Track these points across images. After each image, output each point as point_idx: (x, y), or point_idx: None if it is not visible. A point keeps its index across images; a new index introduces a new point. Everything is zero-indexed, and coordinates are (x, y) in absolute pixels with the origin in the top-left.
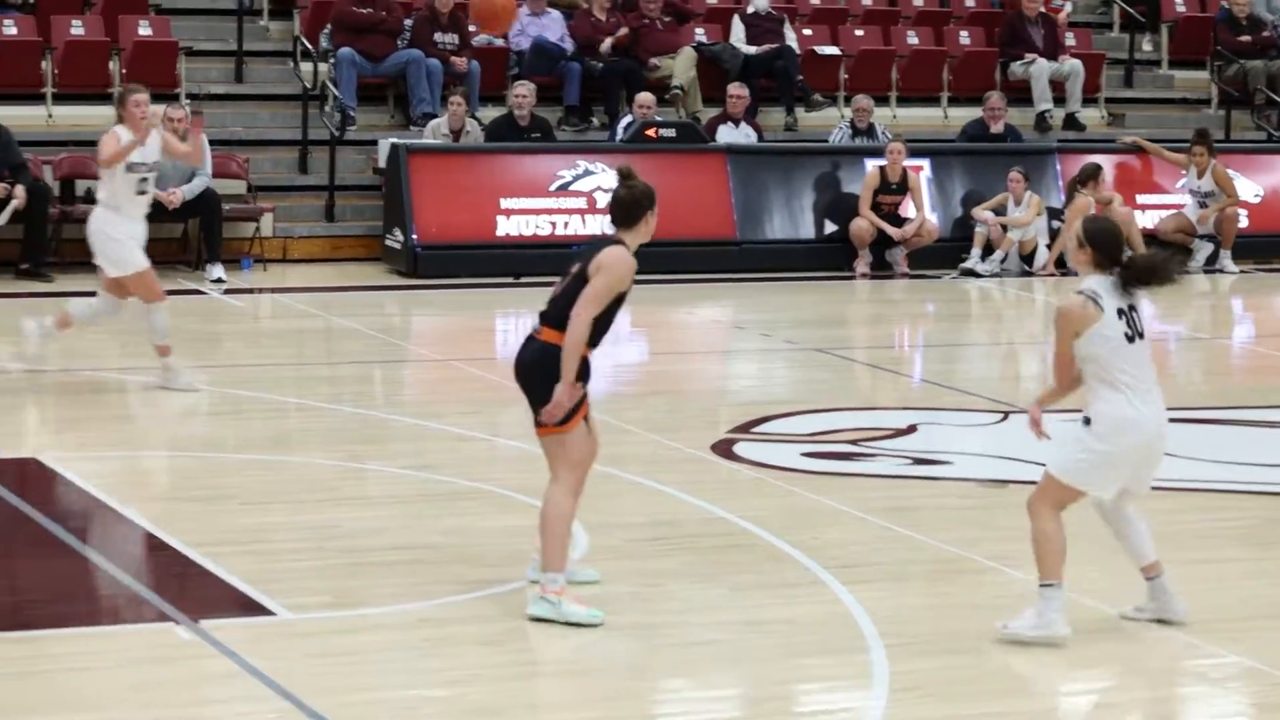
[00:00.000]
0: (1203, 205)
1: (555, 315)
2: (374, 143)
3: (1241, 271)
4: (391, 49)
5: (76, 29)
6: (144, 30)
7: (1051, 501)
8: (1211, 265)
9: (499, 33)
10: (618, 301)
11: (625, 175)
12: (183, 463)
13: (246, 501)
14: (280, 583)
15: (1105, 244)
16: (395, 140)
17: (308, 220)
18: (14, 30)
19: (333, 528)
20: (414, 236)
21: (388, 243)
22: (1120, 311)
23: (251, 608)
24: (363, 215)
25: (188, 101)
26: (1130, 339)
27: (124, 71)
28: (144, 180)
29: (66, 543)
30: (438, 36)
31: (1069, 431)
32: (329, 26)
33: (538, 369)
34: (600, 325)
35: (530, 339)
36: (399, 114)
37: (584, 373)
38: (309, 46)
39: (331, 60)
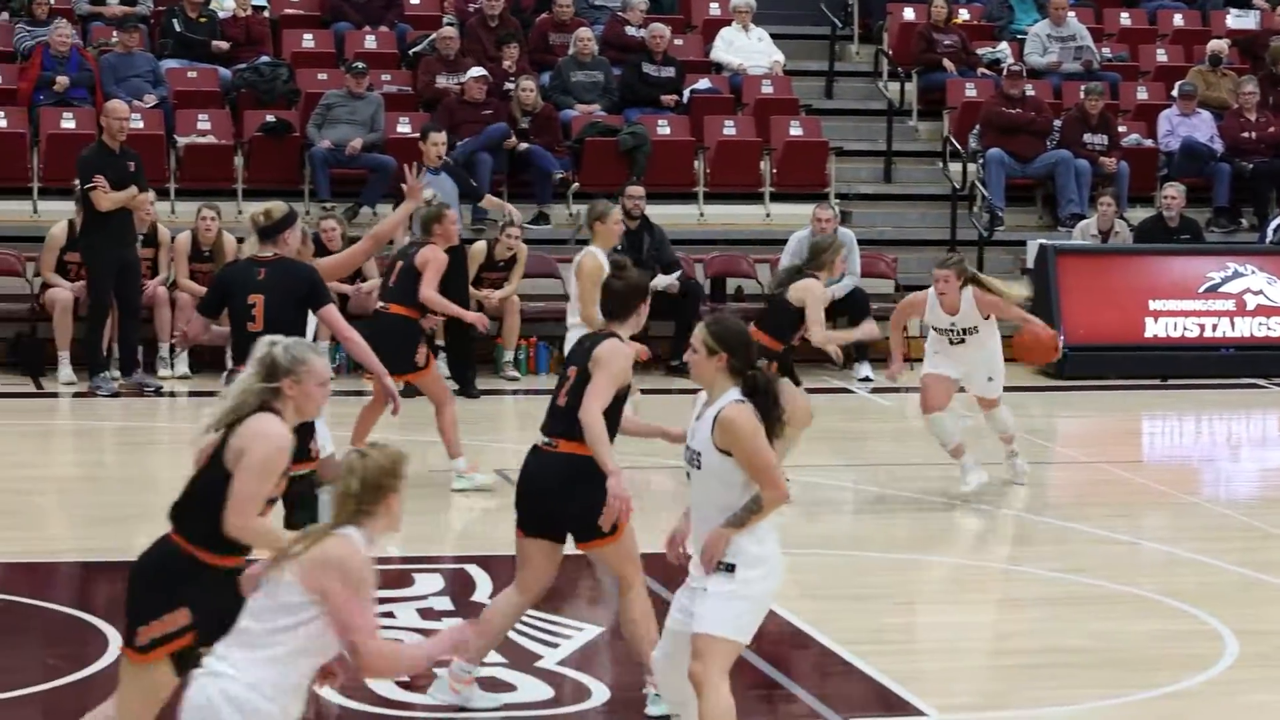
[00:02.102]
0: None
1: (569, 424)
2: (1022, 243)
3: None
4: (1040, 149)
5: (728, 129)
6: (795, 130)
7: (725, 668)
8: None
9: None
10: (620, 398)
11: (619, 267)
12: (830, 560)
13: (895, 600)
14: (928, 682)
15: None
16: (1044, 241)
17: None
18: (668, 130)
19: (981, 628)
20: (1062, 337)
21: None
22: None
23: (900, 707)
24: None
25: (837, 201)
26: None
27: (774, 171)
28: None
29: None
30: (1087, 137)
31: (716, 585)
32: (978, 127)
33: (565, 480)
34: (608, 422)
35: (539, 451)
36: (1047, 214)
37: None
38: (958, 147)
39: (980, 160)
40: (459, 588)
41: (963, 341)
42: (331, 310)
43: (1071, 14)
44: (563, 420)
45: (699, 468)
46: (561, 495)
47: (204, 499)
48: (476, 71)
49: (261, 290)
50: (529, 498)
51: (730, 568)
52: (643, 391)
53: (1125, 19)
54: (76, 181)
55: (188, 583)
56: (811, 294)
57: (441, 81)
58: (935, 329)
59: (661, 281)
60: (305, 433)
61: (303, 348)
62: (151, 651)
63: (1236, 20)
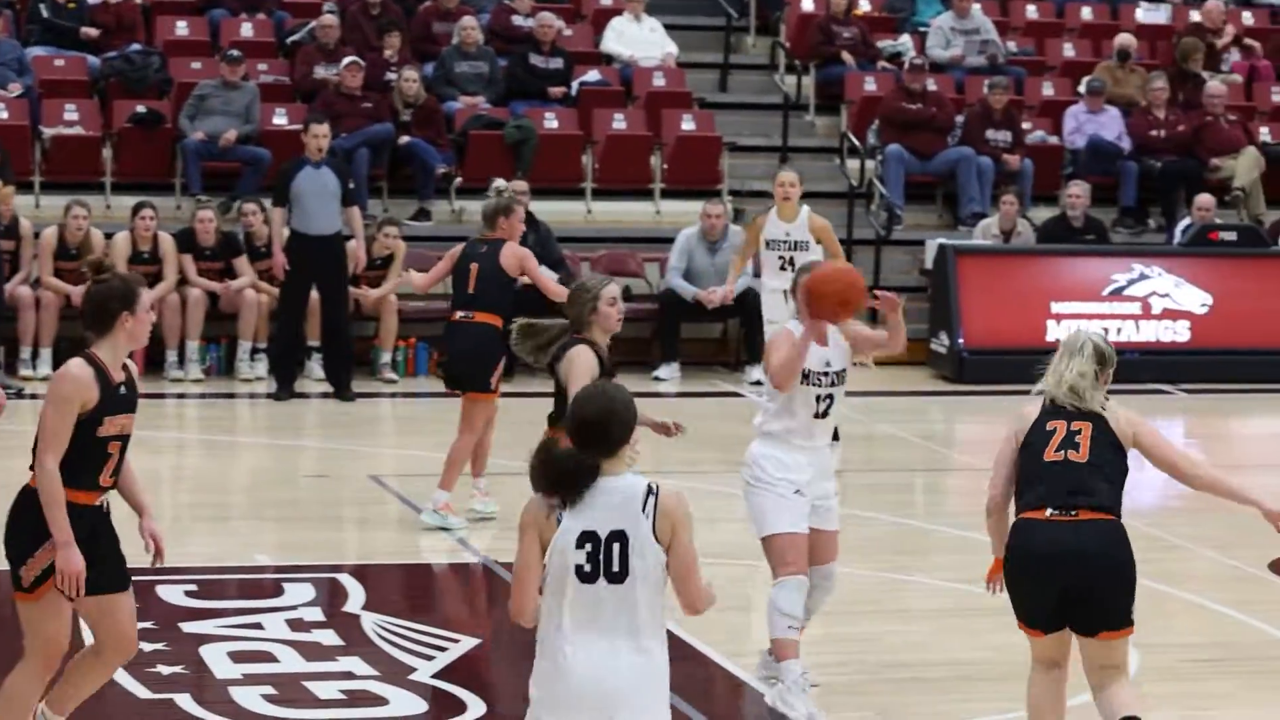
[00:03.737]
0: None
1: None
2: (921, 243)
3: None
4: (941, 146)
5: (618, 123)
6: (687, 125)
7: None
8: None
9: None
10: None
11: (98, 269)
12: (714, 569)
13: None
14: (821, 698)
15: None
16: (943, 240)
17: None
18: (555, 123)
19: (874, 641)
20: (960, 340)
21: (933, 346)
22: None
23: None
24: (908, 318)
25: (730, 198)
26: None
27: (665, 167)
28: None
29: None
30: (990, 133)
31: None
32: (877, 122)
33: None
34: (88, 457)
35: None
36: (947, 213)
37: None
38: (856, 143)
39: (879, 157)
40: (331, 597)
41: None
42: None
43: (976, 6)
44: None
45: None
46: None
47: None
48: (350, 59)
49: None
50: None
51: None
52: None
53: (1032, 12)
54: None
55: None
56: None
57: (320, 72)
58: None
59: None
60: None
61: None
62: None
63: (1146, 14)
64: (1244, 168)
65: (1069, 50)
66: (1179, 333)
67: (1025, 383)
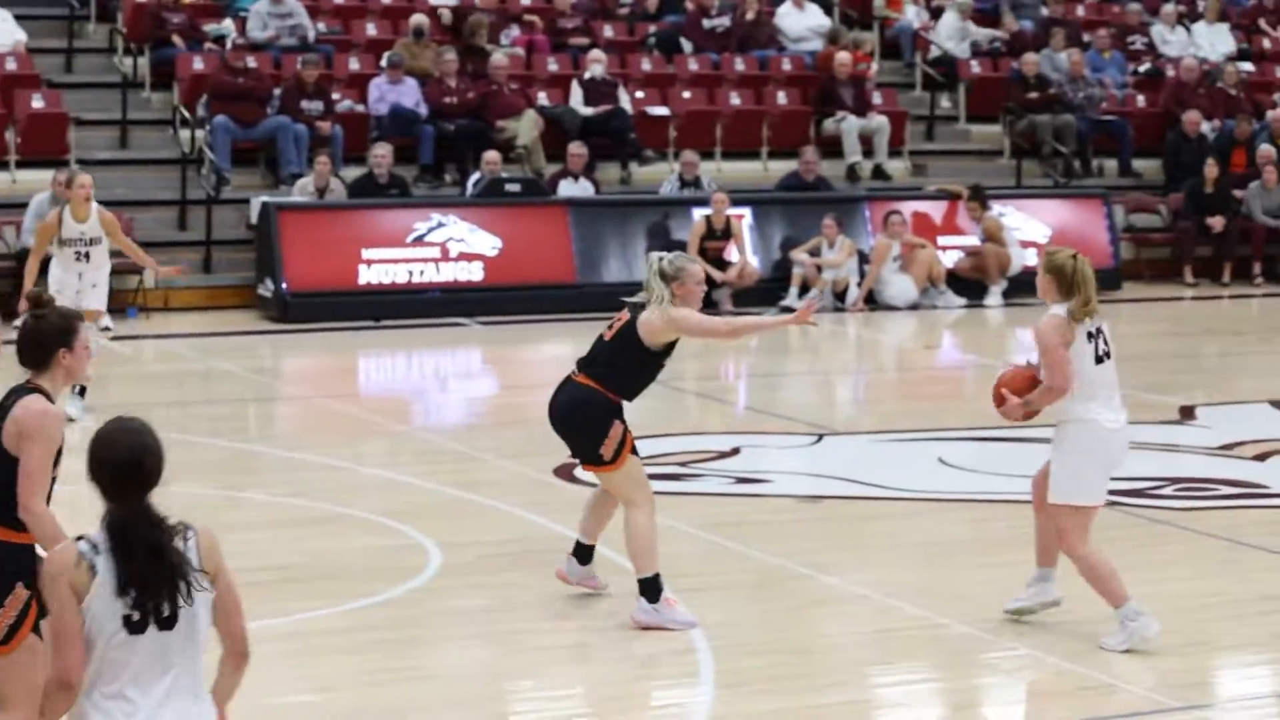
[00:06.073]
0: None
1: None
2: (247, 201)
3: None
4: (262, 115)
5: None
6: (37, 103)
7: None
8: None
9: None
10: None
11: (34, 302)
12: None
13: None
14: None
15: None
16: (266, 198)
17: (187, 272)
18: None
19: None
20: (284, 285)
21: (260, 291)
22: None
23: None
24: (237, 267)
25: (77, 166)
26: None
27: (19, 141)
28: None
29: None
30: (304, 104)
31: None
32: (205, 96)
33: None
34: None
35: None
36: (269, 175)
37: None
38: (187, 115)
39: (207, 127)
40: None
41: None
42: None
43: None
44: None
45: None
46: None
47: None
48: None
49: None
50: None
51: None
52: None
53: None
54: None
55: None
56: None
57: None
58: None
59: None
60: None
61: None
62: None
63: None
64: (525, 128)
65: (372, 29)
66: (474, 272)
67: (343, 319)
